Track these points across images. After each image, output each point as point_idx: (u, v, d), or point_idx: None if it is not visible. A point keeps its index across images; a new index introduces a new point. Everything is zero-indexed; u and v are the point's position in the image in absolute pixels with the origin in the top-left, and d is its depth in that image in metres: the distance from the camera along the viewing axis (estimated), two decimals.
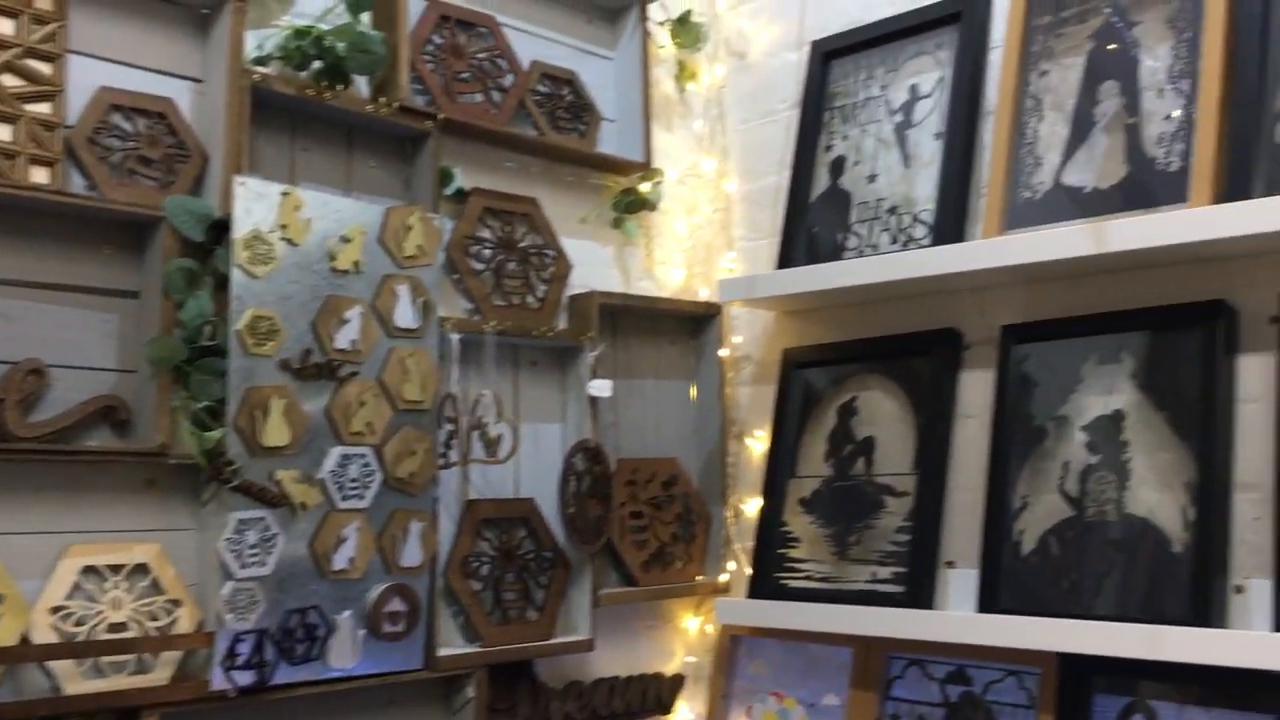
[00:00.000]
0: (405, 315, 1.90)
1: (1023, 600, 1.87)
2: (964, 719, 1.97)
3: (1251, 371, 1.76)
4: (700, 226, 2.52)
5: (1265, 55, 1.74)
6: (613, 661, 2.28)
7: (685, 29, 2.49)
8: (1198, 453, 1.75)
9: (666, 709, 2.30)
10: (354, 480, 1.82)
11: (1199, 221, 1.70)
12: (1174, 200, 1.78)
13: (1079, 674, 1.85)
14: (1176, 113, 1.82)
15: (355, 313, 1.84)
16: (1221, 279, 1.79)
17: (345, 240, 1.85)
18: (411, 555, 1.88)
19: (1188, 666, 1.68)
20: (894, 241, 2.14)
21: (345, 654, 1.80)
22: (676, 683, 2.33)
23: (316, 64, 1.89)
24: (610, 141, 2.38)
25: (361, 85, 1.99)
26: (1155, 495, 1.79)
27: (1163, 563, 1.75)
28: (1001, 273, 1.95)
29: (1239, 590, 1.72)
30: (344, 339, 1.83)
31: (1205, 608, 1.67)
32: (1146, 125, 1.85)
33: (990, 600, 1.90)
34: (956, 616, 1.94)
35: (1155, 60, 1.87)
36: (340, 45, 1.88)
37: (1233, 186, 1.72)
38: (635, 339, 2.40)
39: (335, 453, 1.81)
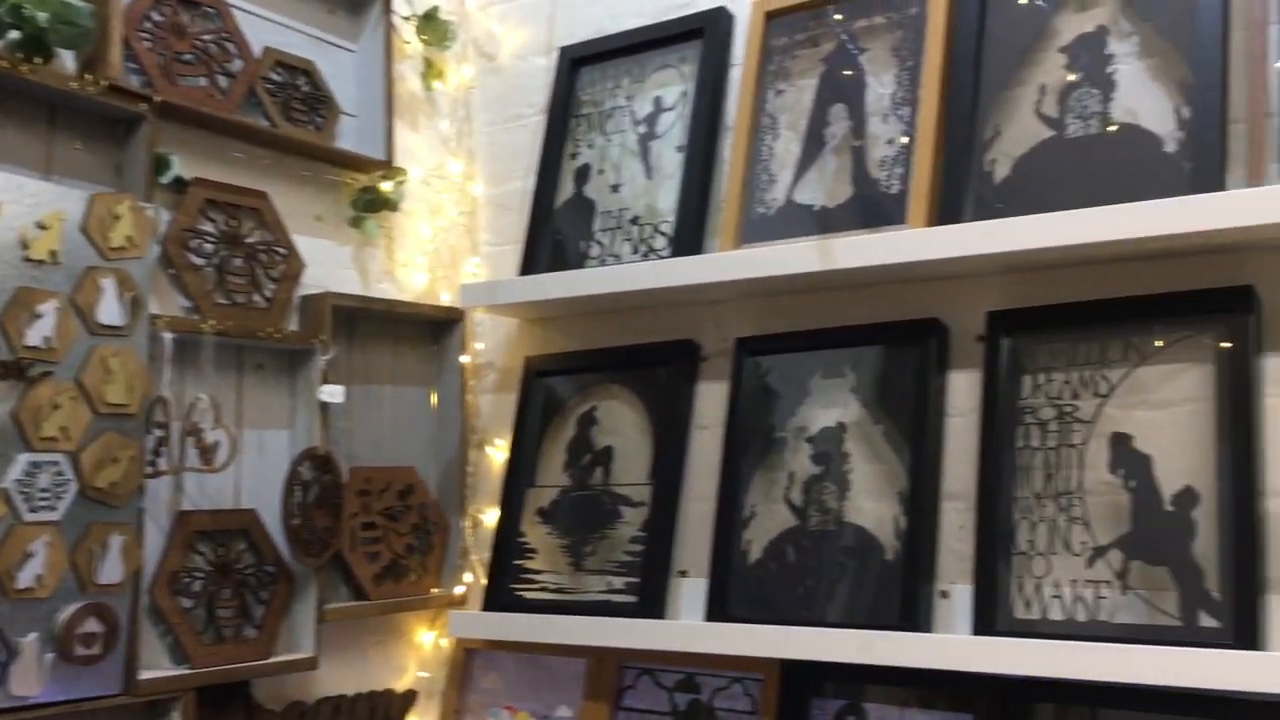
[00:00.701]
0: (110, 311, 1.76)
1: (749, 608, 1.90)
2: None
3: (960, 387, 1.85)
4: (444, 229, 2.45)
5: (977, 88, 1.84)
6: (342, 679, 2.18)
7: (432, 26, 2.43)
8: (910, 464, 1.83)
9: None
10: (44, 490, 1.67)
11: (915, 242, 1.78)
12: (894, 221, 1.85)
13: (798, 679, 1.89)
14: (898, 138, 1.90)
15: (50, 306, 1.69)
16: (935, 298, 1.88)
17: (41, 227, 1.69)
18: (111, 571, 1.74)
19: (898, 669, 1.75)
20: (635, 251, 2.15)
21: (29, 680, 1.64)
22: (408, 699, 2.25)
23: (14, 34, 1.73)
24: (350, 137, 2.29)
25: (68, 60, 1.83)
26: (872, 505, 1.85)
27: (876, 570, 1.81)
28: (736, 286, 1.99)
29: (944, 595, 1.80)
30: (36, 335, 1.67)
31: (913, 613, 1.74)
32: (871, 148, 1.93)
33: (718, 609, 1.93)
34: (685, 625, 1.96)
35: (881, 87, 1.95)
36: (41, 15, 1.72)
37: (946, 210, 1.80)
38: (373, 343, 2.31)
39: (22, 460, 1.65)
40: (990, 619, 1.68)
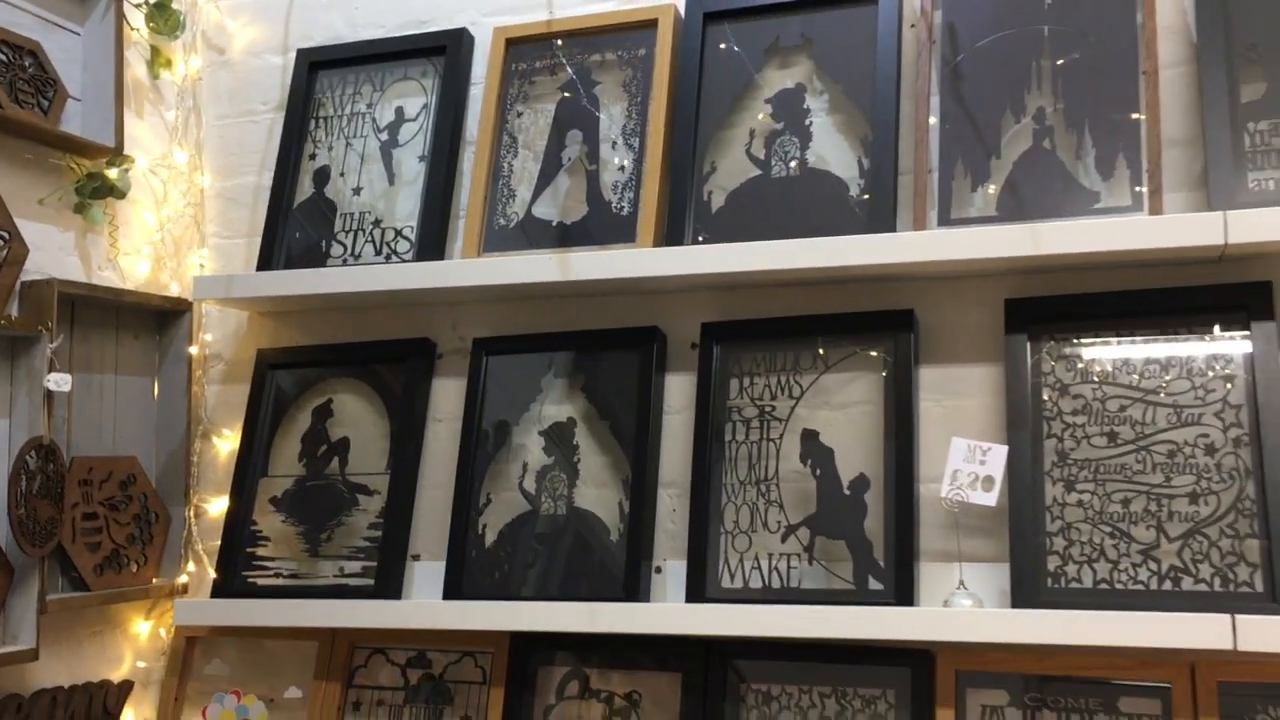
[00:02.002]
0: None
1: (484, 588, 2.07)
2: (423, 699, 2.14)
3: (676, 388, 2.11)
4: (170, 220, 2.45)
5: (697, 126, 2.10)
6: (57, 671, 2.15)
7: (161, 14, 2.42)
8: (632, 456, 2.06)
9: (113, 717, 2.22)
10: None
11: (643, 260, 2.02)
12: (625, 240, 2.08)
13: (526, 651, 2.08)
14: (628, 164, 2.13)
15: None
16: (656, 309, 2.13)
17: None
18: None
19: (617, 638, 1.98)
20: (378, 253, 2.26)
21: None
22: (125, 689, 2.24)
23: None
24: (76, 121, 2.25)
25: None
26: (598, 492, 2.08)
27: (602, 549, 2.04)
28: (477, 291, 2.15)
29: (658, 570, 2.05)
30: None
31: (635, 586, 1.98)
32: (604, 172, 2.15)
33: (454, 589, 2.08)
34: (422, 604, 2.10)
35: (611, 117, 2.17)
36: None
37: (670, 233, 2.06)
38: (95, 331, 2.28)
39: None
40: (701, 588, 1.94)
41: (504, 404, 2.17)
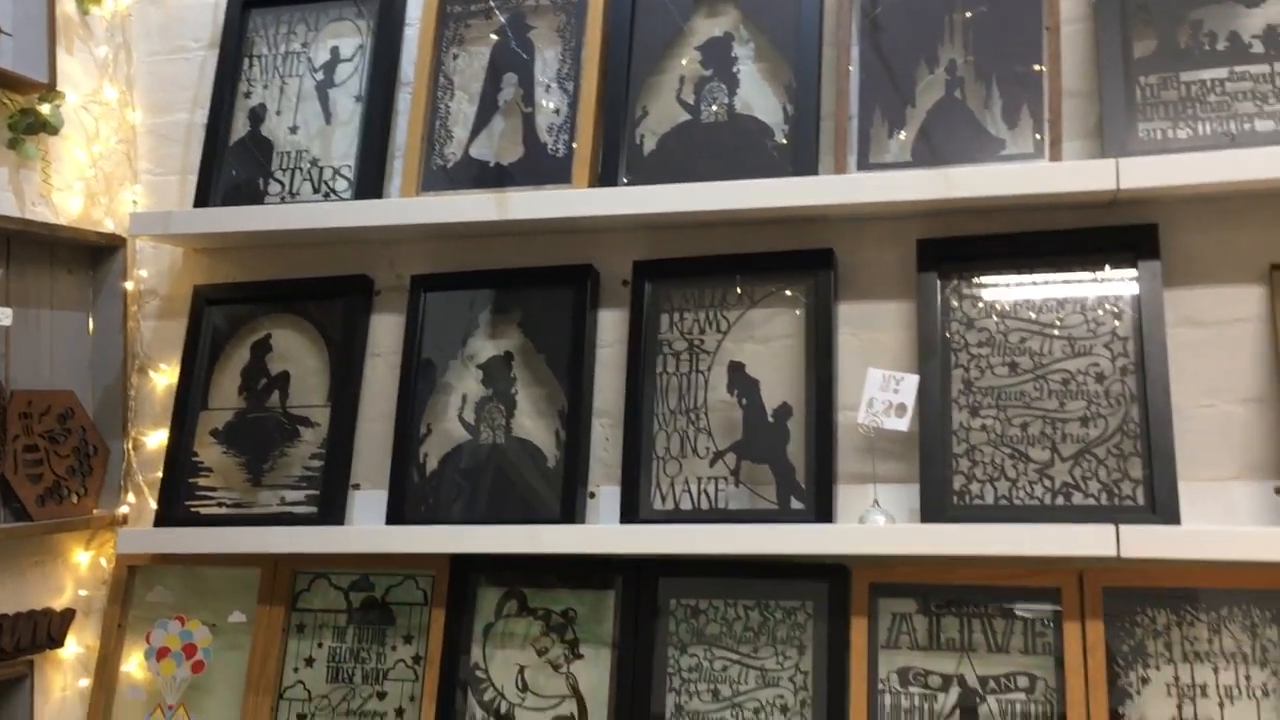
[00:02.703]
0: None
1: (425, 513, 2.17)
2: (366, 620, 2.23)
3: (608, 323, 2.21)
4: (103, 156, 2.46)
5: (629, 71, 2.19)
6: (2, 599, 2.20)
7: None
8: (568, 388, 2.17)
9: (58, 642, 2.27)
10: None
11: (578, 200, 2.11)
12: (560, 180, 2.17)
13: (466, 572, 2.19)
14: (563, 108, 2.21)
15: None
16: (590, 247, 2.22)
17: None
18: None
19: (555, 557, 2.10)
20: (315, 191, 2.31)
21: None
22: (67, 616, 2.30)
23: None
24: (7, 57, 2.24)
25: None
26: (535, 422, 2.18)
27: (539, 476, 2.14)
28: (415, 229, 2.22)
29: (592, 496, 2.17)
30: None
31: (572, 509, 2.09)
32: (539, 115, 2.23)
33: (397, 514, 2.17)
34: (367, 529, 2.19)
35: (546, 61, 2.25)
36: None
37: (604, 174, 2.15)
38: (31, 267, 2.30)
39: None
40: (634, 510, 2.06)
41: (442, 339, 2.25)
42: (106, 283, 2.43)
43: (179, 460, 2.32)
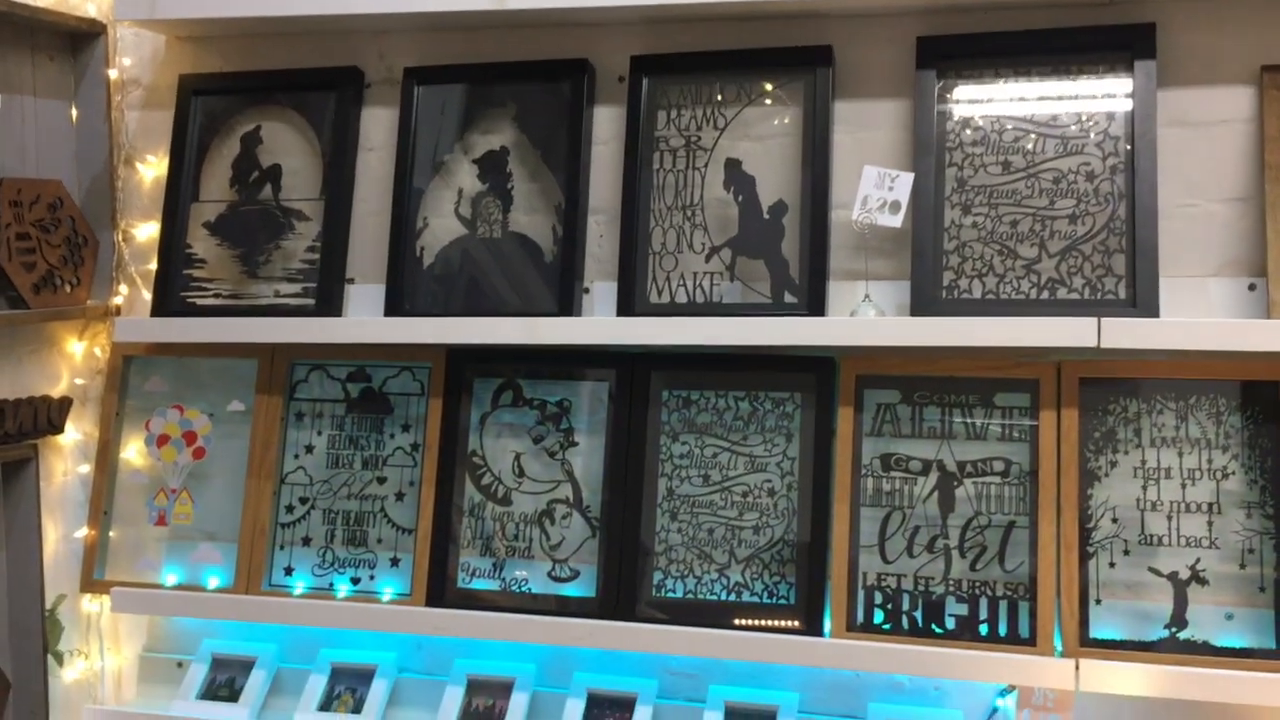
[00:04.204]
0: None
1: (423, 306, 2.20)
2: (363, 409, 2.29)
3: (604, 119, 2.21)
4: None
5: None
6: (1, 386, 2.23)
7: None
8: (564, 183, 2.18)
9: (58, 428, 2.31)
10: None
11: None
12: None
13: (463, 364, 2.24)
14: None
15: None
16: (587, 42, 2.21)
17: None
18: None
19: (551, 349, 2.16)
20: None
21: None
22: (65, 404, 2.34)
23: None
24: None
25: None
26: (531, 217, 2.20)
27: (536, 270, 2.18)
28: (407, 19, 2.19)
29: (587, 291, 2.21)
30: None
31: (569, 303, 2.14)
32: None
33: (395, 306, 2.21)
34: (365, 320, 2.22)
35: None
36: None
37: None
38: (11, 51, 2.25)
39: None
40: (630, 303, 2.11)
41: (437, 133, 2.24)
42: (89, 70, 2.38)
43: (172, 252, 2.32)
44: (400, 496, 2.24)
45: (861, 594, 2.01)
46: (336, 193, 2.27)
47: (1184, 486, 1.92)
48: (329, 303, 2.24)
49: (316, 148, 2.31)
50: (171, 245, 2.32)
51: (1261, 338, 1.81)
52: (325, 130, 2.30)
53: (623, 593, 2.10)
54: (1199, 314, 1.94)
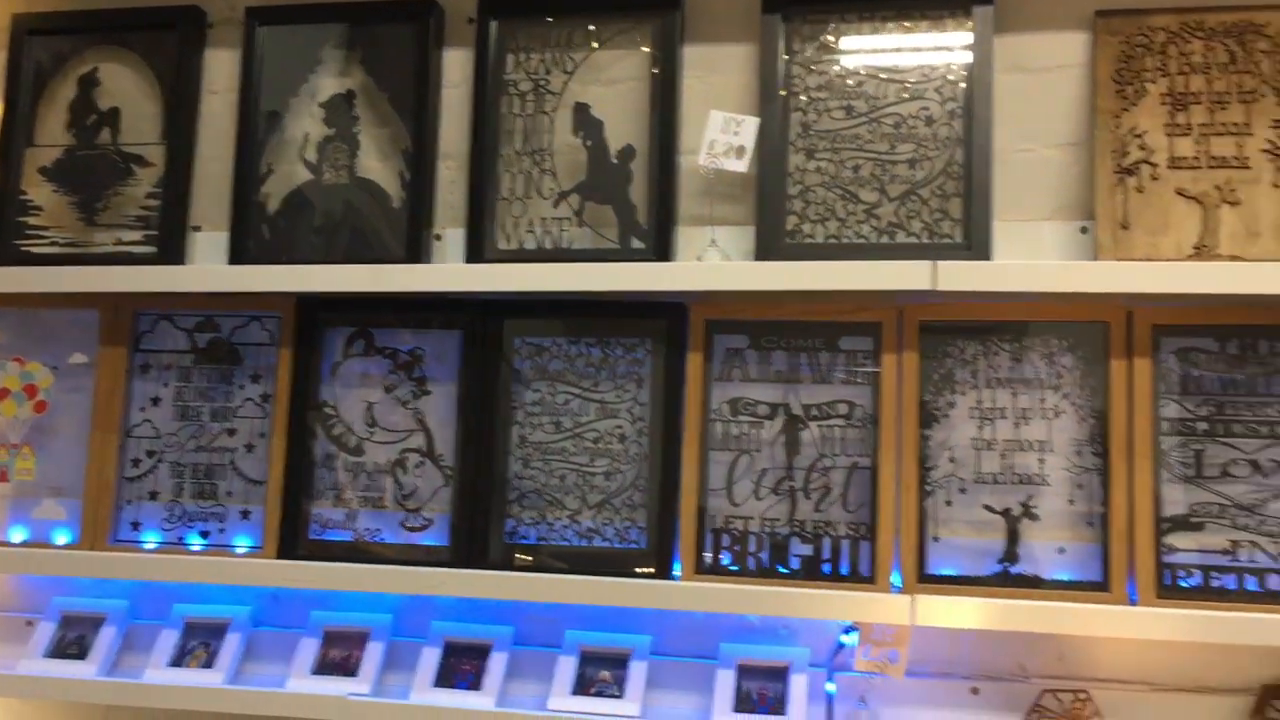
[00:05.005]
0: None
1: (269, 253, 2.16)
2: (211, 360, 2.24)
3: (454, 62, 2.18)
4: None
5: None
6: None
7: None
8: (412, 128, 2.15)
9: None
10: None
11: None
12: None
13: (313, 313, 2.20)
14: None
15: None
16: None
17: None
18: None
19: (402, 297, 2.13)
20: None
21: None
22: None
23: None
24: None
25: None
26: (379, 163, 2.16)
27: (384, 216, 2.14)
28: None
29: (439, 238, 2.18)
30: None
31: (417, 250, 2.11)
32: None
33: (239, 254, 2.16)
34: (210, 268, 2.17)
35: None
36: None
37: None
38: None
39: None
40: (479, 250, 2.09)
41: (281, 76, 2.19)
42: None
43: (6, 198, 2.24)
44: (250, 448, 2.20)
45: (710, 537, 2.03)
46: (178, 137, 2.21)
47: (1017, 426, 1.97)
48: (172, 251, 2.19)
49: (157, 90, 2.23)
50: (5, 192, 2.24)
51: (1090, 279, 1.85)
52: (166, 72, 2.23)
53: (476, 541, 2.10)
54: (1035, 257, 1.98)
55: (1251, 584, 1.85)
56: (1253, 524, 1.86)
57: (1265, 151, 1.87)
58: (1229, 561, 1.86)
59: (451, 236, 2.18)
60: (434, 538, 2.13)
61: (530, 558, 2.08)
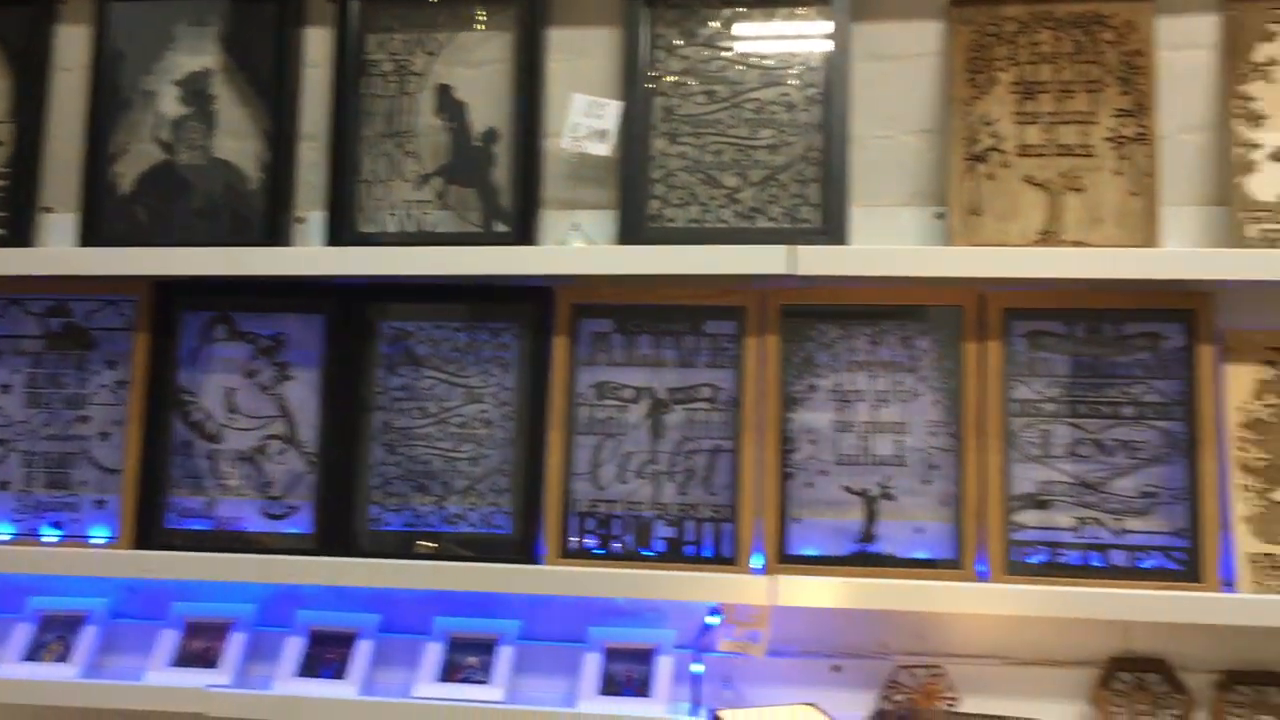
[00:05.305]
0: None
1: (122, 235, 2.10)
2: (64, 345, 2.17)
3: (315, 41, 2.14)
4: None
5: None
6: None
7: None
8: (272, 108, 2.11)
9: None
10: None
11: None
12: None
13: (170, 296, 2.15)
14: None
15: None
16: None
17: None
18: None
19: (263, 281, 2.08)
20: None
21: None
22: None
23: None
24: None
25: None
26: (237, 143, 2.12)
27: (242, 198, 2.10)
28: None
29: (300, 220, 2.14)
30: None
31: (276, 232, 2.07)
32: None
33: (91, 237, 2.10)
34: (62, 251, 2.10)
35: None
36: None
37: None
38: None
39: None
40: (340, 233, 2.06)
41: (136, 53, 2.13)
42: None
43: None
44: (105, 436, 2.14)
45: (575, 521, 2.03)
46: (27, 116, 2.14)
47: (876, 408, 2.00)
48: (21, 232, 2.12)
49: (6, 68, 2.16)
50: None
51: (941, 264, 1.89)
52: (15, 48, 2.15)
53: (339, 528, 2.07)
54: (893, 242, 2.01)
55: (1095, 559, 1.91)
56: (1096, 502, 1.92)
57: (1108, 140, 1.92)
58: (1074, 538, 1.92)
59: (315, 219, 2.14)
60: (297, 525, 2.10)
61: (396, 544, 2.06)
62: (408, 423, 2.09)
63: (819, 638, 2.05)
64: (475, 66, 2.09)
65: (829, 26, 1.99)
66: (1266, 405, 1.89)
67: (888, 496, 1.98)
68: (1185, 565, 1.87)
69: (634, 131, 2.01)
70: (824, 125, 1.98)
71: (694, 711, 1.97)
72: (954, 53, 1.97)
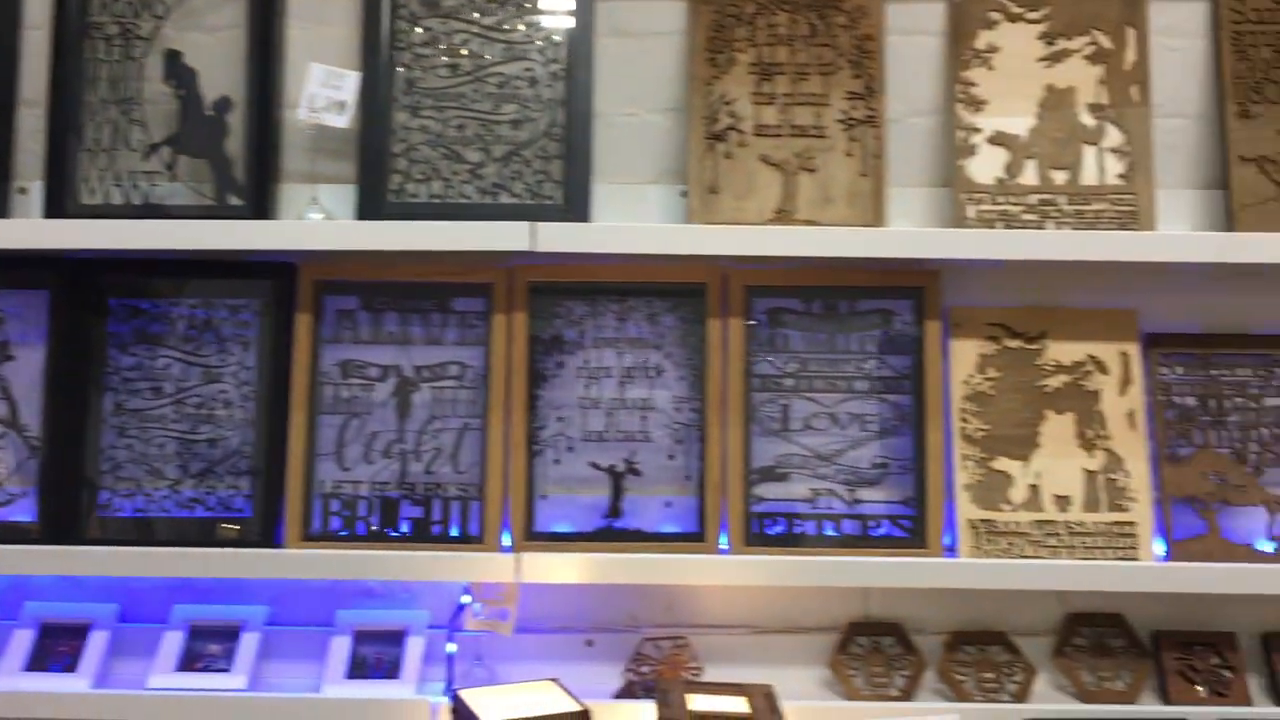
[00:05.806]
0: None
1: None
2: None
3: (35, 2, 2.01)
4: None
5: None
6: None
7: None
8: None
9: None
10: None
11: None
12: None
13: None
14: None
15: None
16: None
17: None
18: None
19: None
20: None
21: None
22: None
23: None
24: None
25: None
26: None
27: None
28: None
29: (23, 192, 2.02)
30: None
31: None
32: None
33: None
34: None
35: None
36: None
37: None
38: None
39: None
40: (61, 205, 1.95)
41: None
42: None
43: None
44: None
45: (319, 502, 1.99)
46: None
47: (622, 384, 2.01)
48: None
49: None
50: None
51: (680, 241, 1.91)
52: None
53: (67, 516, 1.97)
54: (640, 219, 2.02)
55: (829, 529, 1.97)
56: (830, 473, 1.98)
57: (840, 122, 1.97)
58: (810, 509, 1.97)
59: (38, 189, 2.02)
60: (20, 513, 1.99)
61: (128, 530, 1.97)
62: (141, 404, 2.00)
63: (572, 614, 2.06)
64: (208, 32, 2.00)
65: (572, 2, 1.98)
66: (988, 378, 1.98)
67: (634, 472, 2.00)
68: (912, 532, 1.95)
69: (375, 104, 1.96)
70: (567, 101, 1.97)
71: (448, 691, 1.96)
72: (695, 32, 1.99)
